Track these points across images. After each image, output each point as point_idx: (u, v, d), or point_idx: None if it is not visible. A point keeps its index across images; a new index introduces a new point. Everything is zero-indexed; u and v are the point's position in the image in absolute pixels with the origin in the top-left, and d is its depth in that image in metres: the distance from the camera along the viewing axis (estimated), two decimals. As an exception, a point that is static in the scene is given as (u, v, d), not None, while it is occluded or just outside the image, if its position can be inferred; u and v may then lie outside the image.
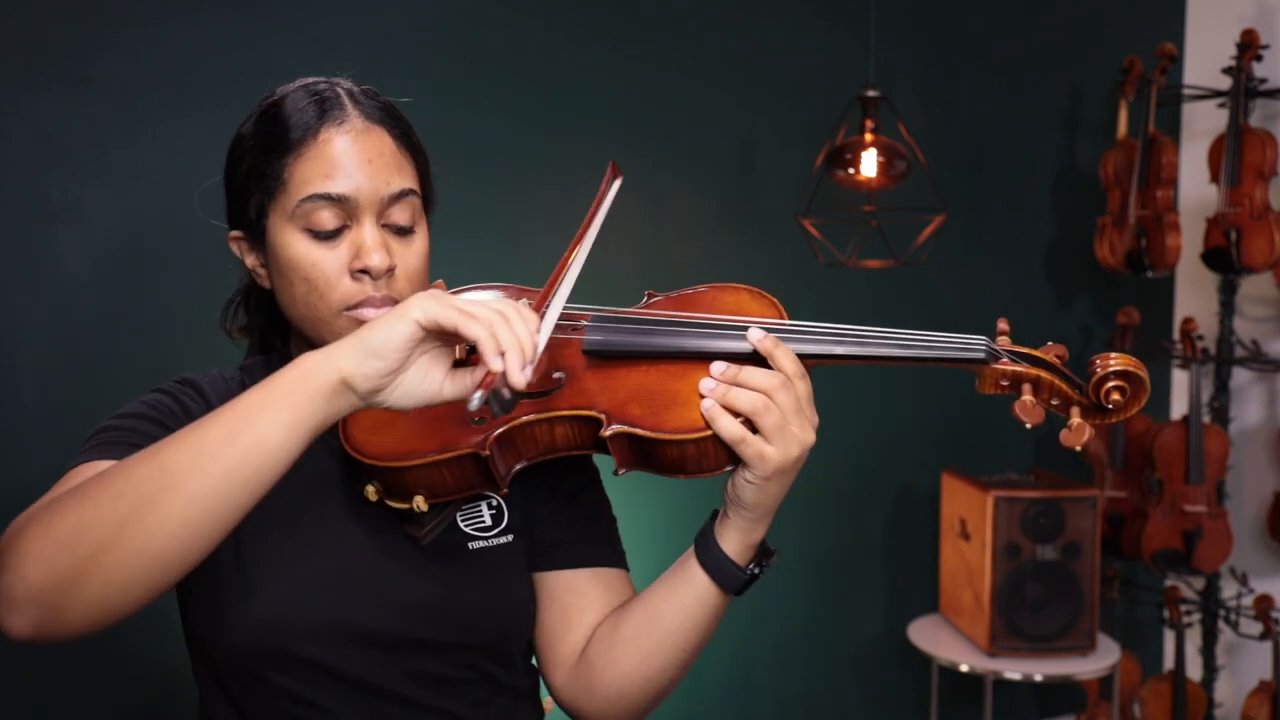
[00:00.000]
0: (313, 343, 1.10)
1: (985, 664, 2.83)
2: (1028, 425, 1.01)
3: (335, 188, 1.06)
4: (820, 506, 3.13)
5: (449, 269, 2.94)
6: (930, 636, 3.01)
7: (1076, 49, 3.37)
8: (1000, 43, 3.27)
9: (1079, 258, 3.39)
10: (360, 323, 1.05)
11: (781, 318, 1.08)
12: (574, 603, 1.18)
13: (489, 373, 0.87)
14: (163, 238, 2.28)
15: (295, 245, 1.07)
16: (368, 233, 1.07)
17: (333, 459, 1.13)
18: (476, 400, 0.86)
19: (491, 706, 1.14)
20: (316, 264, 1.07)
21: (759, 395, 0.99)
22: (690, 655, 1.13)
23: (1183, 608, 3.20)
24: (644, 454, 1.02)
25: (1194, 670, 3.24)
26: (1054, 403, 1.03)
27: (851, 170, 2.64)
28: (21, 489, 1.19)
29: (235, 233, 1.15)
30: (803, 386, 1.02)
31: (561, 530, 1.19)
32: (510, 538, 1.16)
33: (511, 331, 0.87)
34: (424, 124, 2.91)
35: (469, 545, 1.13)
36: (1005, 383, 1.03)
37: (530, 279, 3.00)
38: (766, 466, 1.00)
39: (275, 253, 1.09)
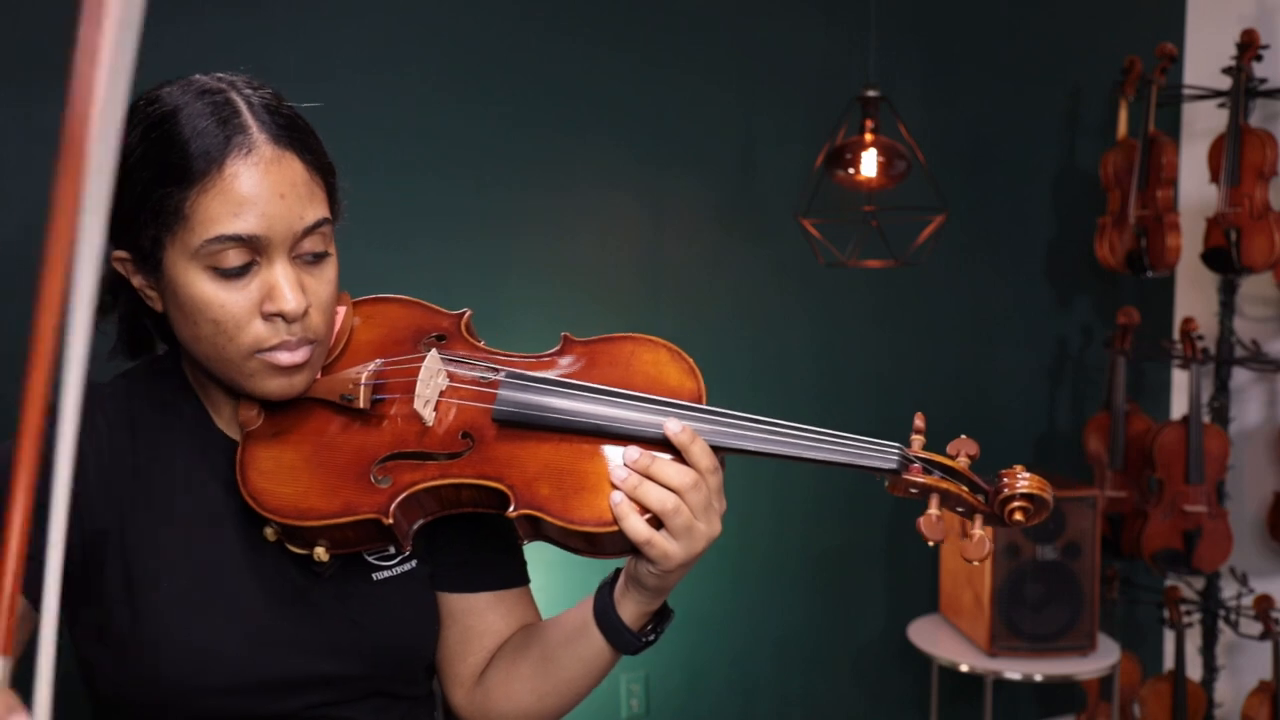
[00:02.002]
0: (215, 378, 1.05)
1: (985, 664, 2.83)
2: (930, 543, 0.99)
3: (245, 228, 0.95)
4: (820, 506, 3.13)
5: (449, 269, 2.94)
6: (930, 636, 3.00)
7: (1076, 49, 3.36)
8: (1000, 43, 3.27)
9: (1079, 258, 3.39)
10: (273, 365, 1.00)
11: (699, 387, 1.06)
12: (475, 625, 1.18)
13: None
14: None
15: (199, 285, 0.97)
16: (280, 273, 0.98)
17: (229, 497, 1.07)
18: None
19: (393, 712, 1.14)
20: (225, 305, 0.97)
21: (669, 495, 0.97)
22: (585, 693, 1.15)
23: (1183, 608, 3.19)
24: (548, 533, 1.02)
25: (1194, 670, 3.24)
26: (958, 509, 1.03)
27: (851, 170, 2.64)
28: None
29: (120, 253, 1.03)
30: (715, 480, 1.00)
31: (463, 552, 1.17)
32: (413, 564, 1.14)
33: None
34: (424, 124, 2.92)
35: (373, 576, 1.11)
36: (914, 491, 1.02)
37: (527, 279, 3.00)
38: (669, 563, 0.99)
39: (175, 289, 0.99)
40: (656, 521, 0.98)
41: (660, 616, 1.10)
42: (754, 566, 3.06)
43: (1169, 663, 3.32)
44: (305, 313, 1.00)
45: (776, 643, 3.13)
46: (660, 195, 2.86)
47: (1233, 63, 2.99)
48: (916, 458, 1.02)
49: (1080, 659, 2.87)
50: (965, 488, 1.01)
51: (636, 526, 0.97)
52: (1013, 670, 2.81)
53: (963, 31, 3.22)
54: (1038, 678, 2.84)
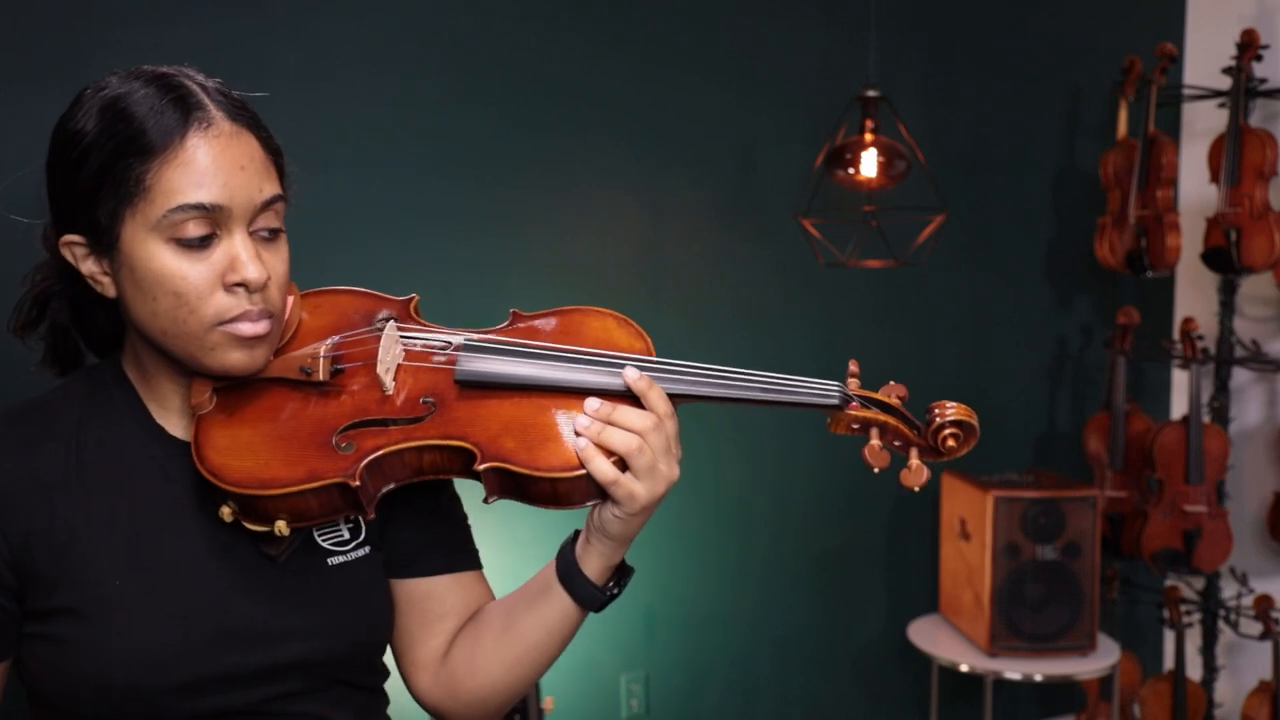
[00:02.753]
0: (173, 356, 1.04)
1: (985, 664, 2.83)
2: (875, 470, 1.06)
3: (208, 197, 0.98)
4: (820, 506, 3.13)
5: (449, 269, 2.94)
6: (930, 636, 3.01)
7: (1076, 49, 3.37)
8: (1000, 43, 3.27)
9: (1079, 258, 3.39)
10: (235, 337, 1.01)
11: (648, 346, 1.11)
12: (434, 609, 1.20)
13: None
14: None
15: (161, 256, 0.99)
16: (240, 243, 1.00)
17: (179, 494, 1.07)
18: None
19: (353, 703, 1.15)
20: (186, 277, 0.99)
21: (633, 436, 1.02)
22: (551, 661, 1.17)
23: (1183, 608, 3.20)
24: (515, 486, 1.04)
25: (1194, 670, 3.24)
26: (896, 444, 1.10)
27: (851, 170, 2.64)
28: None
29: (72, 237, 1.04)
30: (672, 425, 1.06)
31: (418, 537, 1.19)
32: (368, 549, 1.15)
33: None
34: (424, 123, 2.91)
35: (328, 561, 1.12)
36: (855, 426, 1.09)
37: (527, 279, 2.99)
38: (635, 504, 1.04)
39: (135, 264, 1.00)
40: (621, 465, 1.03)
41: (621, 572, 1.13)
42: (754, 566, 3.06)
43: (1169, 663, 3.32)
44: (265, 285, 1.02)
45: (776, 643, 3.13)
46: (660, 195, 2.86)
47: (1233, 63, 2.99)
48: (856, 395, 1.09)
49: (1080, 659, 2.88)
50: (901, 422, 1.09)
51: (603, 467, 1.02)
52: (1013, 670, 2.81)
53: (963, 31, 3.22)
54: (1038, 678, 2.84)
